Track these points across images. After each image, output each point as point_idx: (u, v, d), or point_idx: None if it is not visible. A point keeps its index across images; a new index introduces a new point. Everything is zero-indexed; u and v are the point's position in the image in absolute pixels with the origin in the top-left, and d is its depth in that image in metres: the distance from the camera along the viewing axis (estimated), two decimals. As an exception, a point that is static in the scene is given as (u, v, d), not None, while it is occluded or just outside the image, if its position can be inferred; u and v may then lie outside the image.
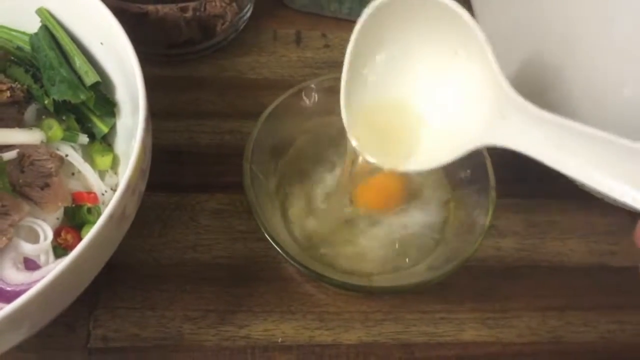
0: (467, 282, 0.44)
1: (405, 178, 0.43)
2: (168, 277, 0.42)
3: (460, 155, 0.32)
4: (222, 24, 0.51)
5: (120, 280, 0.42)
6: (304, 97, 0.43)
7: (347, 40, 0.55)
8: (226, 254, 0.43)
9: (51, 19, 0.40)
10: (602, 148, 0.26)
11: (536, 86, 0.43)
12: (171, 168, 0.47)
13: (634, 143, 0.25)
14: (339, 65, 0.54)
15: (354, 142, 0.35)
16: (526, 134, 0.29)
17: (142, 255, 0.43)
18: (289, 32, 0.56)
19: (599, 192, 0.44)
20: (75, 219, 0.39)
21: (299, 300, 0.42)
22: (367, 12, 0.34)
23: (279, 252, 0.37)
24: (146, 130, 0.33)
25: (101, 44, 0.39)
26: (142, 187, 0.35)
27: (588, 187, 0.45)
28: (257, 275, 0.43)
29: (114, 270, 0.41)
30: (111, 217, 0.30)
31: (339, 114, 0.37)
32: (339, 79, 0.40)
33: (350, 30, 0.55)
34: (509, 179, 0.48)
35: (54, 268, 0.28)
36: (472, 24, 0.30)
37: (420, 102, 0.35)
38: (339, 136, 0.38)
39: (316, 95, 0.43)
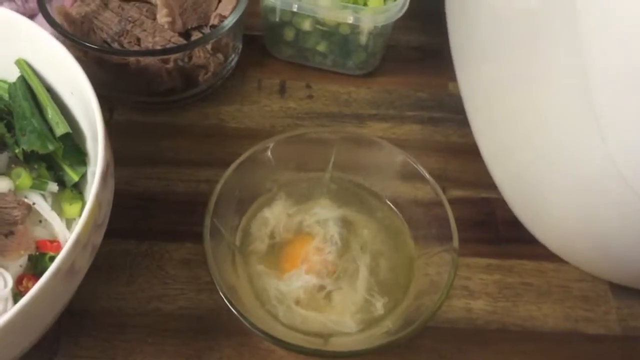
0: (434, 344, 0.43)
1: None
2: (131, 327, 0.42)
3: None
4: (205, 74, 0.52)
5: (82, 327, 0.42)
6: (271, 153, 0.43)
7: (330, 92, 0.57)
8: (191, 305, 0.43)
9: (28, 70, 0.41)
10: None
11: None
12: (144, 215, 0.47)
13: None
14: (320, 116, 0.55)
15: None
16: None
17: (106, 303, 0.43)
18: (274, 81, 0.57)
19: (575, 260, 0.43)
20: (37, 266, 0.39)
21: (259, 356, 0.42)
22: None
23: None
24: (102, 185, 0.33)
25: (71, 93, 0.40)
26: (97, 240, 0.35)
27: (564, 255, 0.44)
28: (220, 328, 0.42)
29: (76, 318, 0.42)
30: (57, 271, 0.30)
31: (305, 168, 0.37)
32: (311, 133, 0.41)
33: (334, 82, 0.57)
34: (483, 238, 0.48)
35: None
36: None
37: None
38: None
39: (283, 151, 0.43)
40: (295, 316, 0.39)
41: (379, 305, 0.40)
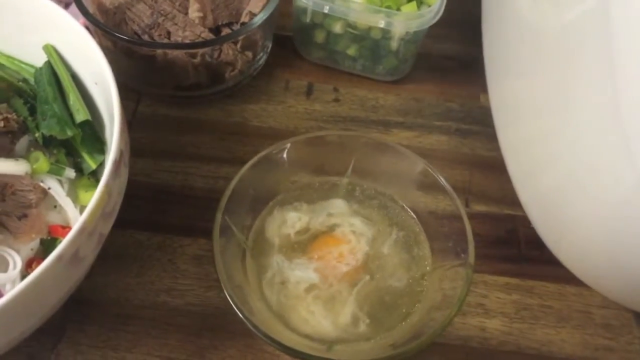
0: (444, 361, 0.42)
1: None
2: (137, 318, 0.42)
3: None
4: (232, 71, 0.51)
5: (88, 316, 0.42)
6: (288, 153, 0.42)
7: (358, 96, 0.56)
8: (198, 302, 0.43)
9: (55, 56, 0.42)
10: None
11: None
12: (159, 208, 0.47)
13: None
14: (345, 120, 0.54)
15: None
16: None
17: (115, 294, 0.43)
18: (302, 83, 0.56)
19: (598, 286, 0.41)
20: (49, 251, 0.39)
21: (263, 359, 0.41)
22: None
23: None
24: (113, 174, 0.33)
25: (95, 84, 0.40)
26: (105, 229, 0.35)
27: (587, 280, 0.42)
28: (225, 328, 0.42)
29: (84, 306, 0.42)
30: (60, 258, 0.30)
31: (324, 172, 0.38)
32: (331, 135, 0.40)
33: (362, 86, 0.56)
34: (503, 256, 0.46)
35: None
36: None
37: None
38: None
39: (301, 152, 0.42)
40: (302, 320, 0.38)
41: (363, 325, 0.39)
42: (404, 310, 0.39)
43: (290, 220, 0.43)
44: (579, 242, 0.39)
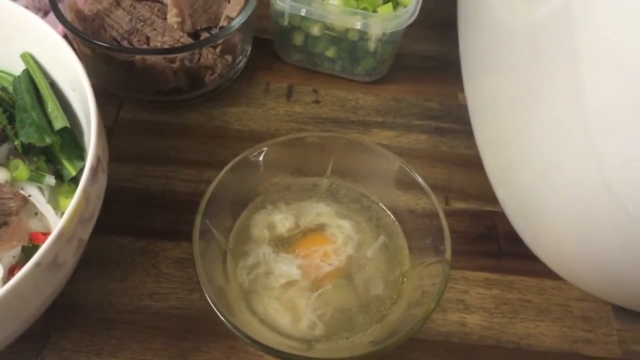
0: (425, 358, 0.42)
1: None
2: (120, 323, 0.42)
3: None
4: (211, 75, 0.52)
5: (72, 321, 0.42)
6: (266, 156, 0.42)
7: (337, 98, 0.56)
8: (181, 305, 0.43)
9: (33, 64, 0.42)
10: None
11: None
12: (142, 212, 0.47)
13: None
14: (325, 121, 0.55)
15: None
16: None
17: (98, 298, 0.43)
18: (282, 85, 0.57)
19: (574, 280, 0.42)
20: (30, 258, 0.39)
21: (246, 359, 0.41)
22: None
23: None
24: (91, 179, 0.34)
25: (73, 90, 0.41)
26: (84, 235, 0.35)
27: (563, 274, 0.43)
28: (208, 329, 0.42)
29: (67, 311, 0.42)
30: (38, 264, 0.31)
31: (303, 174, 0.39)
32: (311, 137, 0.41)
33: (341, 87, 0.56)
34: (483, 251, 0.47)
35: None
36: None
37: None
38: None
39: (280, 154, 0.43)
40: (280, 319, 0.39)
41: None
42: (378, 313, 0.39)
43: (278, 218, 0.43)
44: (553, 237, 0.39)
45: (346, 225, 0.42)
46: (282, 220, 0.42)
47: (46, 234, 0.39)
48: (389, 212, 0.44)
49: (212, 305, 0.36)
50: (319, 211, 0.43)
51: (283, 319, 0.39)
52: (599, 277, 0.39)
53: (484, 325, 0.44)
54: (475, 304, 0.45)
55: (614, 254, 0.34)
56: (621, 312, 0.44)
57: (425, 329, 0.43)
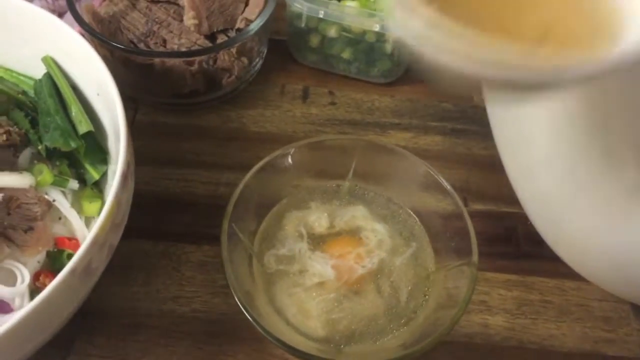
0: (450, 358, 0.42)
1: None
2: (144, 327, 0.42)
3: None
4: (229, 77, 0.52)
5: (96, 327, 0.42)
6: (291, 158, 0.42)
7: (353, 99, 0.56)
8: (205, 308, 0.43)
9: (54, 68, 0.42)
10: None
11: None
12: (162, 216, 0.47)
13: None
14: (342, 123, 0.55)
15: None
16: None
17: (121, 303, 0.43)
18: (297, 87, 0.57)
19: (596, 280, 0.42)
20: (55, 263, 0.39)
21: (272, 363, 0.41)
22: None
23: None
24: (122, 185, 0.34)
25: (97, 94, 0.40)
26: (115, 240, 0.35)
27: (585, 274, 0.43)
28: (232, 333, 0.42)
29: (91, 317, 0.42)
30: (74, 270, 0.30)
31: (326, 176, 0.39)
32: (330, 140, 0.41)
33: (357, 89, 0.56)
34: (503, 253, 0.47)
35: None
36: None
37: None
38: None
39: (303, 156, 0.43)
40: (309, 323, 0.39)
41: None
42: (405, 316, 0.40)
43: (313, 217, 0.43)
44: (578, 237, 0.40)
45: (380, 229, 0.42)
46: (318, 220, 0.42)
47: (72, 239, 0.39)
48: (413, 215, 0.44)
49: (242, 308, 0.36)
50: (355, 214, 0.43)
51: (310, 321, 0.39)
52: (621, 276, 0.39)
53: (506, 327, 0.44)
54: (497, 305, 0.45)
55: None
56: (641, 312, 0.45)
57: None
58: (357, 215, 0.43)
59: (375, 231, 0.42)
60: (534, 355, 0.43)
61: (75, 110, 0.40)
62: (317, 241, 0.42)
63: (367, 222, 0.43)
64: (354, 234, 0.42)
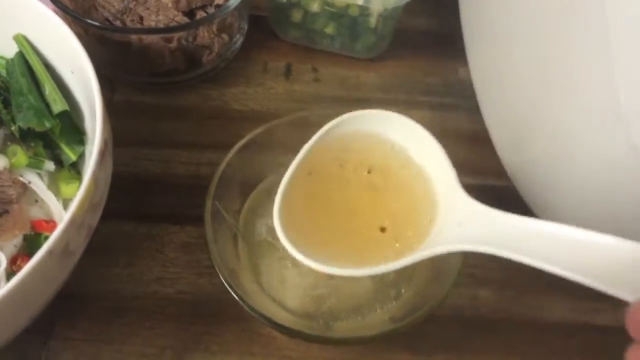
0: (440, 332, 0.42)
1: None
2: (128, 310, 0.41)
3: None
4: (209, 55, 0.50)
5: (77, 311, 0.41)
6: (274, 135, 0.41)
7: (338, 75, 0.55)
8: (190, 289, 0.42)
9: (27, 46, 0.40)
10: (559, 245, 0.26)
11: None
12: (143, 197, 0.46)
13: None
14: (326, 100, 0.54)
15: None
16: (484, 237, 0.31)
17: (104, 286, 0.42)
18: (280, 64, 0.55)
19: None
20: (33, 247, 0.38)
21: (259, 342, 0.41)
22: (330, 124, 0.37)
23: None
24: (99, 163, 0.32)
25: (72, 72, 0.39)
26: (93, 221, 0.34)
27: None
28: (219, 313, 0.41)
29: (73, 301, 0.41)
30: (51, 251, 0.29)
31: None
32: (315, 116, 0.40)
33: (341, 65, 0.55)
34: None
35: None
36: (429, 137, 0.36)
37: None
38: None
39: (287, 134, 0.42)
40: (297, 299, 0.38)
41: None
42: (394, 291, 0.39)
43: None
44: (566, 208, 0.39)
45: None
46: None
47: (49, 222, 0.38)
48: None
49: (227, 287, 0.35)
50: None
51: (297, 298, 0.38)
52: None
53: (495, 299, 0.44)
54: (486, 278, 0.45)
55: (634, 223, 0.34)
56: (630, 281, 0.44)
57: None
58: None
59: None
60: (523, 327, 0.43)
61: (49, 89, 0.39)
62: None
63: None
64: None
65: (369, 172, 0.38)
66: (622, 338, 0.42)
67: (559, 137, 0.36)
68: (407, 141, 0.37)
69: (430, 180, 0.36)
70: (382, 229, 0.35)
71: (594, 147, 0.33)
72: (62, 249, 0.30)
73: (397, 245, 0.34)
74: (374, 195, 0.37)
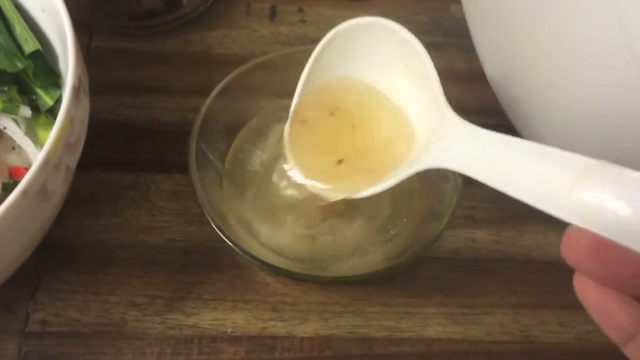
0: (436, 274, 0.41)
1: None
2: (115, 260, 0.40)
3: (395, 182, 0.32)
4: (189, -5, 0.48)
5: (64, 262, 0.39)
6: (257, 74, 0.40)
7: (324, 16, 0.53)
8: (179, 238, 0.41)
9: (-7, -16, 0.38)
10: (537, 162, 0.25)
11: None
12: (127, 145, 0.44)
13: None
14: (314, 42, 0.51)
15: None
16: (463, 153, 0.29)
17: (89, 236, 0.41)
18: (264, 5, 0.53)
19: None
20: (12, 195, 0.36)
21: (253, 289, 0.40)
22: (327, 37, 0.37)
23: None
24: (74, 100, 0.31)
25: (42, 11, 0.37)
26: (72, 162, 0.32)
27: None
28: (211, 261, 0.40)
29: (58, 252, 0.40)
30: (25, 192, 0.28)
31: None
32: (298, 53, 0.38)
33: (328, 5, 0.53)
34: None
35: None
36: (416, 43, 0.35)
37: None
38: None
39: (271, 73, 0.40)
40: (289, 242, 0.37)
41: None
42: (388, 232, 0.38)
43: None
44: (566, 139, 0.38)
45: None
46: None
47: (28, 169, 0.36)
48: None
49: (218, 231, 0.34)
50: None
51: (289, 241, 0.37)
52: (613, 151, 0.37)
53: (493, 240, 0.43)
54: (483, 218, 0.44)
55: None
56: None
57: (435, 246, 0.41)
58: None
59: None
60: (520, 265, 0.42)
61: (20, 28, 0.37)
62: None
63: None
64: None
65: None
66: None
67: (558, 62, 0.34)
68: (396, 60, 0.36)
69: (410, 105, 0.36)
70: (340, 162, 0.35)
71: (598, 75, 0.31)
72: (38, 190, 0.29)
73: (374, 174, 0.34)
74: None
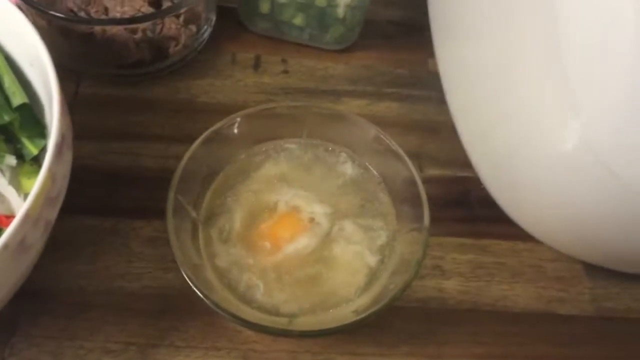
0: (404, 324, 0.42)
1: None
2: (92, 306, 0.41)
3: None
4: (175, 46, 0.50)
5: (40, 308, 0.40)
6: (239, 127, 0.41)
7: (307, 67, 0.55)
8: (156, 284, 0.42)
9: (-16, 37, 0.39)
10: None
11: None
12: (109, 191, 0.46)
13: None
14: (295, 92, 0.54)
15: None
16: None
17: (67, 282, 0.42)
18: (249, 55, 0.55)
19: (549, 240, 0.43)
20: (-6, 242, 0.37)
21: (225, 336, 0.41)
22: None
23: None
24: (56, 157, 0.32)
25: (31, 64, 0.38)
26: (51, 216, 0.34)
27: (538, 234, 0.43)
28: (185, 308, 0.41)
29: (36, 297, 0.40)
30: (6, 247, 0.29)
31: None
32: (277, 108, 0.40)
33: (310, 56, 0.55)
34: (457, 217, 0.47)
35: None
36: None
37: None
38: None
39: (252, 125, 0.42)
40: (260, 295, 0.38)
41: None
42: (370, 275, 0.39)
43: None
44: (527, 198, 0.40)
45: (323, 211, 0.41)
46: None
47: (10, 217, 0.38)
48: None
49: (189, 282, 0.35)
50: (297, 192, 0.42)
51: (259, 295, 0.38)
52: (573, 235, 0.39)
53: (461, 290, 0.44)
54: (451, 269, 0.45)
55: (589, 211, 0.35)
56: (592, 270, 0.45)
57: (404, 296, 0.42)
58: (303, 194, 0.42)
59: (314, 213, 0.41)
60: (488, 316, 0.43)
61: (8, 81, 0.38)
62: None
63: (311, 204, 0.41)
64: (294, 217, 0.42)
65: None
66: (585, 326, 0.44)
67: (519, 129, 0.36)
68: None
69: None
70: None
71: (550, 138, 0.33)
72: (17, 244, 0.30)
73: None
74: None
